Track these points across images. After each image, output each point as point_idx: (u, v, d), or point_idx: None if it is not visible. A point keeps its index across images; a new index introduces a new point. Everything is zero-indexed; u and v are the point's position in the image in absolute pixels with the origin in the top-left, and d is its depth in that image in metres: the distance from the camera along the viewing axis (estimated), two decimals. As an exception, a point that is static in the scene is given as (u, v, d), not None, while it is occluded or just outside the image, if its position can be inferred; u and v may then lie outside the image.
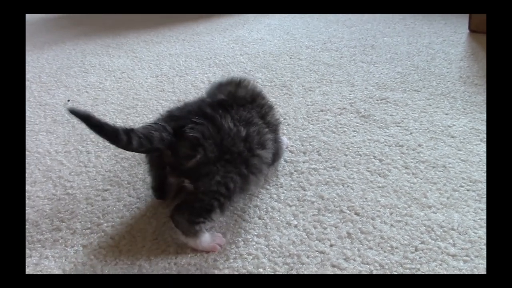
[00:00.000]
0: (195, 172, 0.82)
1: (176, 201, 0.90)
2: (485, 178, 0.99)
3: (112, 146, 1.19)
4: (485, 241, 0.82)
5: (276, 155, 1.01)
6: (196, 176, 0.82)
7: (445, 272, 0.76)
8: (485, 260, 0.78)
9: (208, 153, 0.81)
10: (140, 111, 1.41)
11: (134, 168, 1.11)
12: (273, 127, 1.00)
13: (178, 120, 0.84)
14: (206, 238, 0.84)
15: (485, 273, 0.76)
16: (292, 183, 1.02)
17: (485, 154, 1.07)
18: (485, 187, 0.96)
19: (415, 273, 0.76)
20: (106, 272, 0.81)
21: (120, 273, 0.81)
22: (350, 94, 1.42)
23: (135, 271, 0.81)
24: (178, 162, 0.83)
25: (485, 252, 0.80)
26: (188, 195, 0.85)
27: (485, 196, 0.93)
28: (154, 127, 0.81)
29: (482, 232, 0.84)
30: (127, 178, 1.08)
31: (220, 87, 1.01)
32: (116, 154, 1.18)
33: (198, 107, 0.87)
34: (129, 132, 0.76)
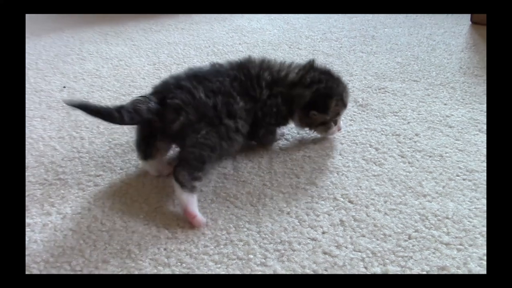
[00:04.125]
0: (181, 133, 0.92)
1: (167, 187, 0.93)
2: (482, 167, 0.98)
3: (106, 132, 1.20)
4: (479, 230, 0.81)
5: (264, 136, 1.08)
6: (183, 136, 0.92)
7: (438, 261, 0.75)
8: (479, 249, 0.77)
9: (190, 116, 0.91)
10: (136, 98, 1.40)
11: (128, 154, 1.10)
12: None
13: (161, 93, 0.95)
14: (195, 202, 0.87)
15: (478, 262, 0.74)
16: (286, 170, 1.01)
17: (483, 144, 1.05)
18: (482, 176, 0.95)
19: (407, 262, 0.75)
20: (95, 256, 0.80)
21: (109, 258, 0.80)
22: (348, 84, 1.40)
23: (124, 256, 0.80)
24: (165, 126, 0.93)
25: (479, 241, 0.78)
26: (181, 153, 0.93)
27: (482, 185, 0.92)
28: (141, 100, 0.92)
29: (477, 221, 0.83)
30: (120, 164, 1.07)
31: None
32: (110, 140, 1.16)
33: (176, 80, 0.98)
34: (120, 109, 0.88)
